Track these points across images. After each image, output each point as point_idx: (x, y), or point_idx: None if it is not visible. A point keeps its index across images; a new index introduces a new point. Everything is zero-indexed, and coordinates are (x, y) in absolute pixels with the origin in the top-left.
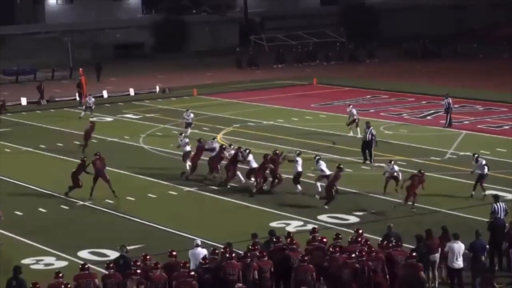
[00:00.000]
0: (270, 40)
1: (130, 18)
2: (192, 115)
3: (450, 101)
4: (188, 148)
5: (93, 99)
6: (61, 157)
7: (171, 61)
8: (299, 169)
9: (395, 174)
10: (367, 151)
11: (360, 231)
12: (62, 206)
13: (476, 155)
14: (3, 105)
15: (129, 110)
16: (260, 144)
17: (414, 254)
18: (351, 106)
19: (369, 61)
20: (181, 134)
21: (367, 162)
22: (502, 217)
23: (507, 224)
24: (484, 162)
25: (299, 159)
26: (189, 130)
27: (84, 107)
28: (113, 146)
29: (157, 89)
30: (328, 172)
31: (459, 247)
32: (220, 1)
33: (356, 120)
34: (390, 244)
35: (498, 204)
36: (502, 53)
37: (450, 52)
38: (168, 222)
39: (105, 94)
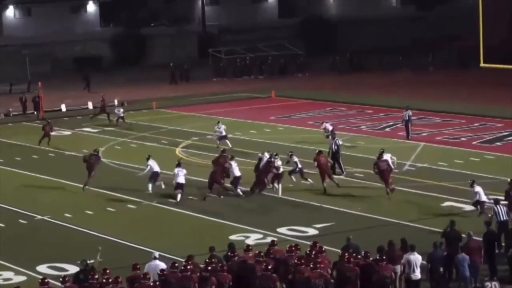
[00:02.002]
0: (228, 53)
1: (88, 31)
2: (223, 127)
3: (410, 113)
4: (235, 171)
5: (122, 109)
6: (20, 171)
7: (130, 75)
8: (237, 173)
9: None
10: (335, 162)
11: (318, 244)
12: (20, 221)
13: (471, 181)
14: None
15: (88, 124)
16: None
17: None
18: (324, 123)
19: (301, 75)
20: (224, 151)
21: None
22: (504, 218)
23: (463, 235)
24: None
25: (233, 163)
26: (228, 142)
27: (115, 120)
28: (71, 160)
29: (116, 102)
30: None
31: (416, 258)
32: (179, 14)
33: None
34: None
35: (498, 206)
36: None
37: (375, 65)
38: (127, 235)
39: (63, 108)
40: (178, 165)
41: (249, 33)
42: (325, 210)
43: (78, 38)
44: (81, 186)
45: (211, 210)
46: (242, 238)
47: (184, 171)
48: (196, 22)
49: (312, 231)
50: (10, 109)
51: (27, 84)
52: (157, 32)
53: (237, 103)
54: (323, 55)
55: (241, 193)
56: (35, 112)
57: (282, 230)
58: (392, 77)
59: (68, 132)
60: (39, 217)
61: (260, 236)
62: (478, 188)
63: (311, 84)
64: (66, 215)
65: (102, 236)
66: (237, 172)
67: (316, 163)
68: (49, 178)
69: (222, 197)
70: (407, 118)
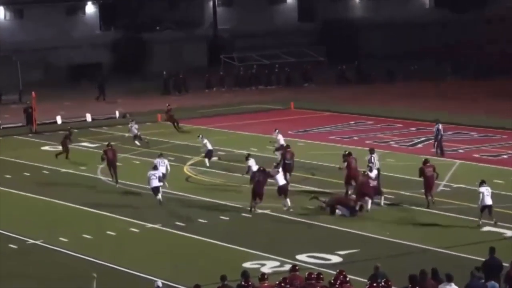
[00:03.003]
0: (242, 60)
1: (86, 35)
2: (206, 140)
3: (440, 127)
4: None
5: (136, 125)
6: (10, 190)
7: (132, 83)
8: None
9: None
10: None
11: (344, 273)
12: (11, 245)
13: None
14: None
15: (86, 138)
16: (231, 176)
17: None
18: (277, 130)
19: (307, 85)
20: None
21: None
22: None
23: (505, 264)
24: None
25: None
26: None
27: (133, 138)
28: (67, 177)
29: (117, 114)
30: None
31: None
32: (186, 17)
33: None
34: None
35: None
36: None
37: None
38: (127, 261)
39: (58, 120)
40: (155, 168)
41: (264, 37)
42: (350, 235)
43: (75, 43)
44: (79, 207)
45: (222, 234)
46: (257, 265)
47: (166, 161)
48: (205, 25)
49: (335, 259)
50: (0, 121)
51: (18, 93)
52: (163, 36)
53: (251, 115)
54: (346, 62)
55: (289, 204)
56: (28, 125)
57: (302, 257)
58: (424, 86)
59: None
60: (31, 241)
61: (277, 263)
62: (483, 189)
63: (329, 94)
64: (61, 239)
65: (101, 262)
66: (281, 181)
67: (345, 164)
68: (43, 198)
69: (253, 210)
70: (436, 132)
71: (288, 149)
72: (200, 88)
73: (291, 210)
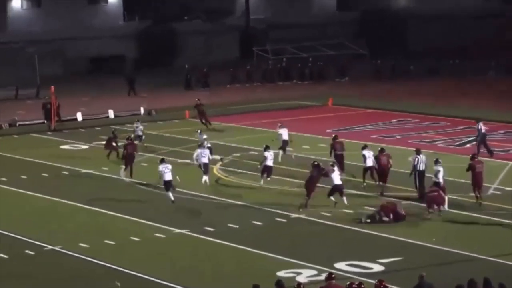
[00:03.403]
0: (276, 53)
1: (109, 26)
2: (204, 136)
3: (481, 127)
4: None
5: (141, 127)
6: (27, 192)
7: (158, 78)
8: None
9: None
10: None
11: (384, 283)
12: (27, 251)
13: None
14: None
15: (108, 136)
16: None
17: None
18: (280, 124)
19: (344, 79)
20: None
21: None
22: None
23: None
24: None
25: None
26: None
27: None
28: (88, 179)
29: (142, 110)
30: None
31: None
32: (217, 6)
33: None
34: None
35: None
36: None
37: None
38: (153, 270)
39: (79, 116)
40: (162, 161)
41: (300, 28)
42: (393, 241)
43: (96, 34)
44: (100, 211)
45: (255, 240)
46: (292, 274)
47: (170, 167)
48: (237, 15)
49: (377, 267)
50: (16, 118)
51: (35, 88)
52: (191, 27)
53: (285, 112)
54: (387, 57)
55: (345, 202)
56: (46, 122)
57: (341, 265)
58: (474, 83)
59: (84, 146)
60: (49, 247)
61: (314, 272)
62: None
63: (366, 90)
64: (81, 245)
65: (124, 270)
66: (337, 180)
67: (377, 160)
68: (62, 200)
69: (301, 210)
70: (479, 133)
71: (337, 140)
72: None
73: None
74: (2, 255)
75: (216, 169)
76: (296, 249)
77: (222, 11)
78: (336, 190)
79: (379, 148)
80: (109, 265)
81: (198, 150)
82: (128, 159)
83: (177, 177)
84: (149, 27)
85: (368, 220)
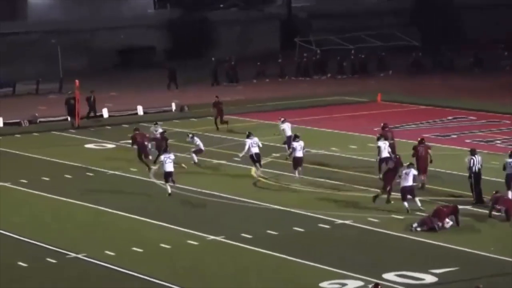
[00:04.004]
0: (320, 44)
1: (137, 15)
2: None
3: None
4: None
5: (160, 130)
6: (48, 195)
7: (191, 71)
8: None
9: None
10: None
11: None
12: (48, 259)
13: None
14: None
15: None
16: (307, 180)
17: None
18: (282, 119)
19: (383, 74)
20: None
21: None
22: None
23: None
24: None
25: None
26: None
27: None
28: (115, 181)
29: (173, 106)
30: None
31: None
32: None
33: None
34: None
35: None
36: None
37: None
38: (185, 280)
39: (105, 113)
40: (165, 150)
41: (346, 18)
42: (446, 250)
43: (125, 24)
44: (128, 216)
45: (296, 247)
46: (337, 285)
47: (172, 157)
48: (278, 3)
49: (429, 278)
50: (36, 114)
51: (58, 82)
52: (228, 15)
53: (329, 109)
54: (440, 48)
55: (419, 204)
56: (69, 118)
57: (390, 275)
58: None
59: (111, 145)
60: (73, 254)
61: (361, 283)
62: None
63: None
64: (107, 252)
65: (154, 280)
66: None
67: (413, 152)
68: (86, 204)
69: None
70: None
71: (387, 128)
72: (270, 77)
73: (422, 208)
74: (21, 263)
75: (253, 170)
76: (341, 258)
77: None
78: (407, 193)
79: (418, 139)
80: (137, 274)
81: (248, 141)
82: (139, 151)
83: (183, 165)
84: (181, 16)
85: (419, 229)
